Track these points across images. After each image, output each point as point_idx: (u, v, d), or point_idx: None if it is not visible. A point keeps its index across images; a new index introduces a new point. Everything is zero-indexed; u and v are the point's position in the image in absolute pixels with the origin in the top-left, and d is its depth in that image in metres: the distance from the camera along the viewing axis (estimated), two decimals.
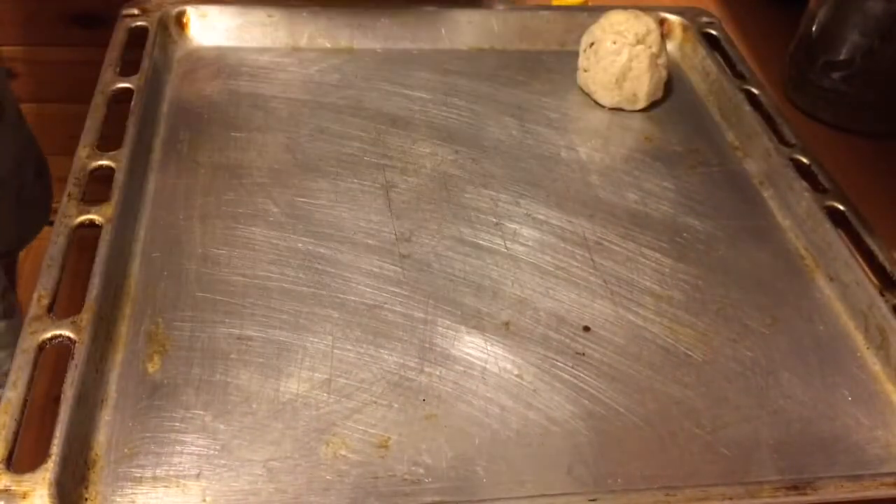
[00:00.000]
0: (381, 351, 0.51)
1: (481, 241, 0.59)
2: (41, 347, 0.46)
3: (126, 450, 0.44)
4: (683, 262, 0.59)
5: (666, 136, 0.71)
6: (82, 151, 0.58)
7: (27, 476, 0.41)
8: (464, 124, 0.70)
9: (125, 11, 0.73)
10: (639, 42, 0.70)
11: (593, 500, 0.43)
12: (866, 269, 0.57)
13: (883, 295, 0.55)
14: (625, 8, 0.73)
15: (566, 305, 0.55)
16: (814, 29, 0.74)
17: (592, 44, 0.72)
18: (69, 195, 0.55)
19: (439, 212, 0.61)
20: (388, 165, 0.65)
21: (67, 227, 0.53)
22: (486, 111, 0.71)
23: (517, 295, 0.55)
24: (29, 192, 0.66)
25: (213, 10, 0.74)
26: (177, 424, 0.46)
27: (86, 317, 0.48)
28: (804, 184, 0.63)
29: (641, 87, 0.71)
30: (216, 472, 0.44)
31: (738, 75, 0.75)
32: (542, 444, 0.47)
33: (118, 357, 0.49)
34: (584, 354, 0.52)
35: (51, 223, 0.55)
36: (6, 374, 0.42)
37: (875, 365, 0.54)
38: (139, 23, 0.72)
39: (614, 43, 0.70)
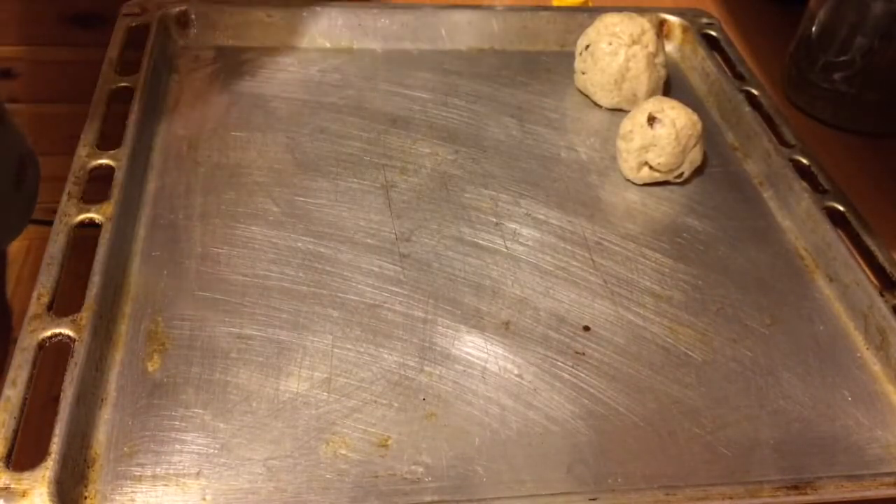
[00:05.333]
0: (381, 350, 0.51)
1: (481, 241, 0.59)
2: (41, 346, 0.46)
3: (126, 448, 0.44)
4: (683, 262, 0.59)
5: None
6: (82, 150, 0.58)
7: (27, 474, 0.40)
8: (464, 124, 0.70)
9: (125, 11, 0.73)
10: (634, 42, 0.70)
11: (593, 500, 0.43)
12: (866, 269, 0.57)
13: (883, 295, 0.55)
14: (619, 10, 0.73)
15: (566, 305, 0.55)
16: (814, 29, 0.74)
17: (588, 46, 0.72)
18: (69, 194, 0.55)
19: (439, 212, 0.61)
20: (388, 165, 0.65)
21: (67, 226, 0.53)
22: (486, 111, 0.71)
23: (517, 295, 0.55)
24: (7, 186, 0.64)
25: (213, 10, 0.74)
26: (176, 423, 0.46)
27: (85, 315, 0.48)
28: (804, 184, 0.63)
29: (640, 86, 0.71)
30: (216, 471, 0.44)
31: (738, 76, 0.75)
32: (542, 443, 0.47)
33: (118, 356, 0.49)
34: (584, 354, 0.52)
35: (46, 222, 0.55)
36: None
37: (875, 365, 0.54)
38: (139, 22, 0.72)
39: (610, 44, 0.70)
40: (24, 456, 0.42)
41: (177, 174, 0.61)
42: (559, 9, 0.83)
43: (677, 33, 0.81)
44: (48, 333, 0.47)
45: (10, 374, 0.44)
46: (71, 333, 0.47)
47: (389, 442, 0.46)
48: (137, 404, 0.46)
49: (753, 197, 0.66)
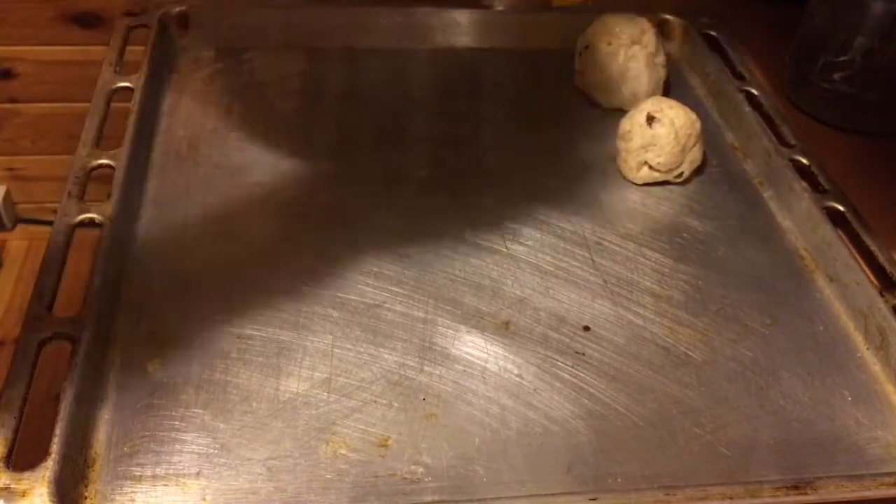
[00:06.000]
0: (381, 350, 0.51)
1: (481, 241, 0.59)
2: (41, 346, 0.46)
3: (126, 448, 0.44)
4: (683, 262, 0.59)
5: None
6: (82, 150, 0.59)
7: (27, 474, 0.40)
8: (464, 124, 0.70)
9: (125, 11, 0.73)
10: (634, 43, 0.70)
11: (593, 500, 0.43)
12: (866, 269, 0.57)
13: (883, 295, 0.55)
14: (619, 10, 0.73)
15: (566, 305, 0.55)
16: (814, 29, 0.74)
17: (588, 46, 0.72)
18: (69, 194, 0.55)
19: (439, 212, 0.61)
20: (389, 165, 0.65)
21: (67, 226, 0.53)
22: (486, 111, 0.71)
23: (517, 295, 0.55)
24: None
25: (213, 10, 0.74)
26: (176, 423, 0.46)
27: (86, 315, 0.48)
28: (804, 184, 0.63)
29: (640, 86, 0.71)
30: (216, 471, 0.44)
31: (738, 76, 0.75)
32: (542, 443, 0.47)
33: (118, 356, 0.49)
34: (584, 354, 0.52)
35: (46, 222, 0.55)
36: None
37: (875, 365, 0.54)
38: (139, 22, 0.72)
39: (609, 44, 0.70)
40: (24, 456, 0.42)
41: (177, 174, 0.61)
42: (559, 9, 0.83)
43: (677, 33, 0.81)
44: (48, 333, 0.47)
45: (10, 374, 0.44)
46: (71, 333, 0.47)
47: (389, 442, 0.46)
48: (137, 404, 0.46)
49: (753, 197, 0.66)
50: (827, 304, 0.57)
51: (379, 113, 0.70)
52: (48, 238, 0.52)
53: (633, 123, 0.64)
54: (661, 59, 0.72)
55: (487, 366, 0.51)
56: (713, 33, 0.80)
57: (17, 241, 1.28)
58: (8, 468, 0.41)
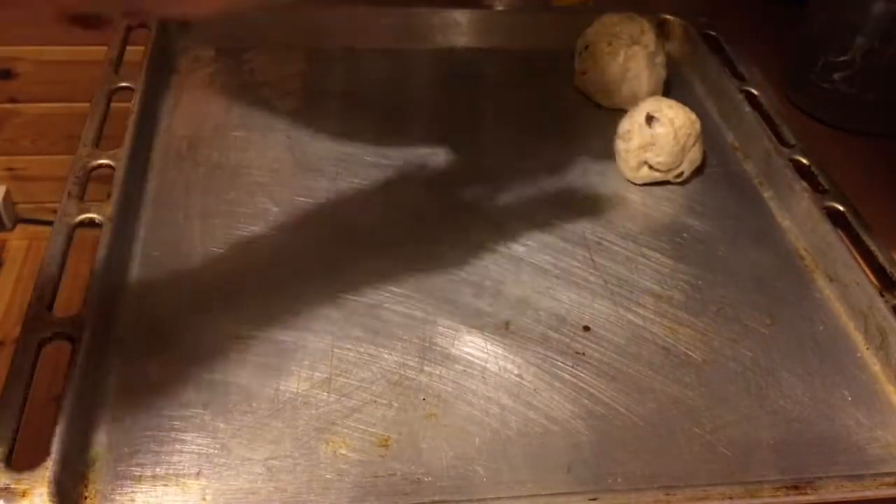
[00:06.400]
0: (381, 350, 0.51)
1: (481, 241, 0.59)
2: (41, 346, 0.46)
3: (126, 448, 0.44)
4: (683, 262, 0.59)
5: None
6: (82, 150, 0.59)
7: (27, 474, 0.40)
8: (464, 124, 0.70)
9: (125, 11, 0.73)
10: (634, 43, 0.70)
11: (594, 500, 0.43)
12: (866, 269, 0.57)
13: (883, 295, 0.55)
14: (619, 10, 0.73)
15: (566, 305, 0.55)
16: (814, 29, 0.74)
17: (587, 46, 0.72)
18: (69, 194, 0.55)
19: (439, 211, 0.61)
20: (388, 165, 0.65)
21: (67, 226, 0.53)
22: (486, 111, 0.71)
23: (517, 295, 0.55)
24: None
25: (213, 10, 0.74)
26: (176, 423, 0.46)
27: (86, 315, 0.48)
28: (804, 184, 0.63)
29: (640, 86, 0.71)
30: (216, 471, 0.44)
31: (738, 76, 0.75)
32: (542, 443, 0.47)
33: (118, 356, 0.49)
34: (584, 354, 0.52)
35: (46, 222, 0.55)
36: None
37: (875, 365, 0.54)
38: (139, 22, 0.72)
39: (610, 44, 0.70)
40: (24, 456, 0.42)
41: (177, 174, 0.61)
42: (559, 9, 0.83)
43: (677, 33, 0.81)
44: (48, 333, 0.47)
45: (10, 375, 0.44)
46: (71, 333, 0.47)
47: (389, 442, 0.46)
48: (137, 404, 0.46)
49: (753, 197, 0.66)
50: (827, 304, 0.57)
51: (379, 113, 0.70)
52: (48, 238, 0.52)
53: (632, 123, 0.64)
54: (661, 59, 0.72)
55: (487, 366, 0.51)
56: (713, 33, 0.80)
57: (17, 241, 1.28)
58: (8, 468, 0.41)
